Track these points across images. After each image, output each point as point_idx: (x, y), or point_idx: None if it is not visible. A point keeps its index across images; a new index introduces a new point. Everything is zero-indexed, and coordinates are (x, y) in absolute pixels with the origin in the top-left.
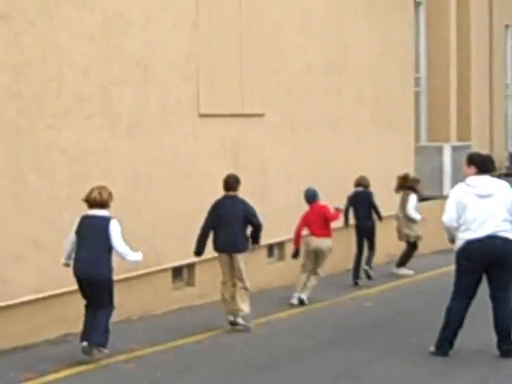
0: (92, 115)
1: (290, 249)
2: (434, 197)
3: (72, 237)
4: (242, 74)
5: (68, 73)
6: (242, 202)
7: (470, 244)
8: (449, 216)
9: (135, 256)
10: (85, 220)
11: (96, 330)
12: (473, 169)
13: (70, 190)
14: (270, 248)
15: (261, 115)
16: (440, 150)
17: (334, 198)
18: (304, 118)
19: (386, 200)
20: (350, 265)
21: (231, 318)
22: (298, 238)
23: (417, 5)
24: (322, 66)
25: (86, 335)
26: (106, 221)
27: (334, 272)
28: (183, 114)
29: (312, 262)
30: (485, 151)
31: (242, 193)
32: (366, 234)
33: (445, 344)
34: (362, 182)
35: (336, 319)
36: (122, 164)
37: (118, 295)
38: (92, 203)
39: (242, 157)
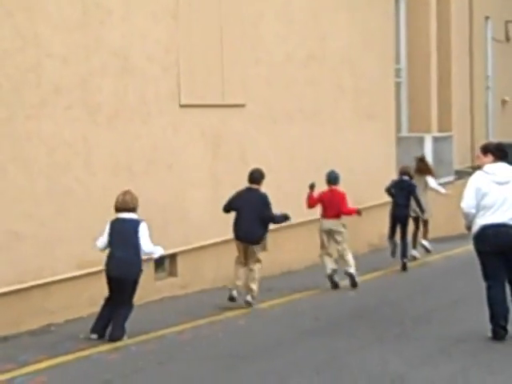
0: (71, 106)
1: (271, 239)
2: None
3: (104, 239)
4: (223, 64)
5: (47, 63)
6: (261, 196)
7: (484, 229)
8: (467, 203)
9: (160, 251)
10: (116, 223)
11: (116, 325)
12: (490, 157)
13: (50, 180)
14: None
15: (241, 106)
16: (421, 140)
17: (315, 189)
18: (284, 109)
19: (368, 190)
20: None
21: (234, 293)
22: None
23: None
24: (302, 57)
25: (98, 328)
26: (135, 223)
27: (317, 262)
28: (163, 104)
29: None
30: (466, 142)
31: (221, 183)
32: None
33: (498, 331)
34: (407, 171)
35: (318, 309)
36: (102, 155)
37: (100, 285)
38: (120, 208)
39: (222, 147)
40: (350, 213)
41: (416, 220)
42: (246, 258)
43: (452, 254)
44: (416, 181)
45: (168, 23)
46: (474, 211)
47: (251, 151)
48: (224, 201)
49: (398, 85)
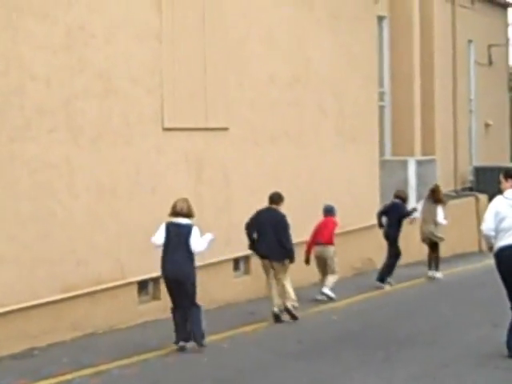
0: (55, 128)
1: (255, 262)
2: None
3: (161, 237)
4: (206, 87)
5: (30, 86)
6: (279, 215)
7: (502, 250)
8: (487, 225)
9: (208, 240)
10: (171, 227)
11: (196, 327)
12: (510, 182)
13: (33, 203)
14: (236, 262)
15: (224, 129)
16: (405, 164)
17: (297, 210)
18: (267, 131)
19: (351, 213)
20: (315, 279)
21: (276, 310)
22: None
23: (380, 19)
24: (285, 79)
25: (181, 336)
26: (189, 227)
27: (299, 286)
28: (146, 127)
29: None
30: (449, 165)
31: (205, 207)
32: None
33: None
34: (399, 194)
35: (302, 333)
36: (85, 177)
37: (84, 309)
38: (178, 213)
39: (206, 170)
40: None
41: (434, 244)
42: (274, 274)
43: (438, 278)
44: (427, 209)
45: (152, 45)
46: (493, 233)
47: (235, 174)
48: (208, 225)
49: (381, 108)
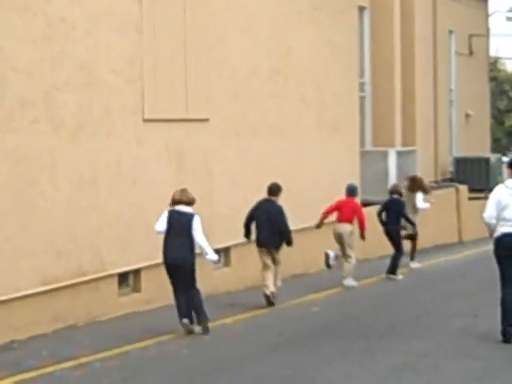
0: (36, 119)
1: (235, 254)
2: (379, 202)
3: (163, 224)
4: (187, 78)
5: (11, 77)
6: (278, 207)
7: (504, 236)
8: (488, 214)
9: (213, 256)
10: (173, 214)
11: (198, 309)
12: (510, 172)
13: (14, 195)
14: (216, 253)
15: (205, 120)
16: (385, 154)
17: (280, 201)
18: (249, 123)
19: (330, 203)
20: (296, 271)
21: (267, 291)
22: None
23: (361, 10)
24: (266, 71)
25: (184, 313)
26: (191, 216)
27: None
28: (127, 118)
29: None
30: (430, 156)
31: None
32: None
33: (508, 330)
34: (396, 190)
35: (282, 324)
36: (67, 168)
37: (65, 301)
38: (179, 201)
39: (187, 161)
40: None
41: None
42: (271, 259)
43: (415, 268)
44: (406, 199)
45: (132, 37)
46: (494, 221)
47: (216, 165)
48: None
49: (362, 99)
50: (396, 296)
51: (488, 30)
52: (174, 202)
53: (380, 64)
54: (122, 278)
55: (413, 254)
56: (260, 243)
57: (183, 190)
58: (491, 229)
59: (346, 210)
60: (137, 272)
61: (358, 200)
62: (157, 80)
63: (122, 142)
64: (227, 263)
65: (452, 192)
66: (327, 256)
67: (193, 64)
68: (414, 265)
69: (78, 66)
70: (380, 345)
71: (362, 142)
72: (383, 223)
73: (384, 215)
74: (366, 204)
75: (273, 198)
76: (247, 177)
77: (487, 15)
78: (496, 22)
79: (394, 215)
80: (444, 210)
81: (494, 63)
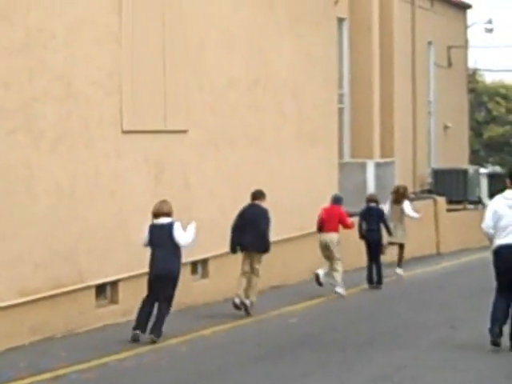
0: (14, 131)
1: (213, 266)
2: (358, 213)
3: (145, 238)
4: (166, 90)
5: None
6: (262, 210)
7: (500, 248)
8: (486, 224)
9: (193, 231)
10: (154, 229)
11: (158, 323)
12: (509, 182)
13: None
14: (194, 265)
15: (184, 131)
16: (363, 166)
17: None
18: (227, 135)
19: (310, 215)
20: (276, 282)
21: (237, 300)
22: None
23: (340, 21)
24: (244, 83)
25: (141, 325)
26: (170, 225)
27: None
28: (106, 130)
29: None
30: (408, 168)
31: None
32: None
33: (495, 337)
34: (373, 199)
35: (261, 336)
36: (45, 180)
37: (43, 313)
38: (159, 214)
39: (165, 173)
40: (351, 226)
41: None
42: (250, 267)
43: (393, 280)
44: (393, 210)
45: (111, 48)
46: (492, 231)
47: (194, 177)
48: None
49: (340, 110)
50: (374, 307)
51: (467, 41)
52: (154, 215)
53: (359, 75)
54: (100, 289)
55: (400, 262)
56: (243, 247)
57: (162, 202)
58: (489, 238)
59: (331, 218)
60: (114, 283)
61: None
62: (135, 92)
63: (100, 154)
64: (205, 275)
65: (430, 204)
66: (317, 276)
67: (171, 76)
68: (400, 271)
69: (57, 76)
70: (358, 356)
71: (341, 154)
72: (362, 234)
73: (364, 225)
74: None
75: (257, 202)
76: (225, 189)
77: (466, 27)
78: (475, 34)
79: (375, 224)
80: (422, 221)
81: (472, 75)
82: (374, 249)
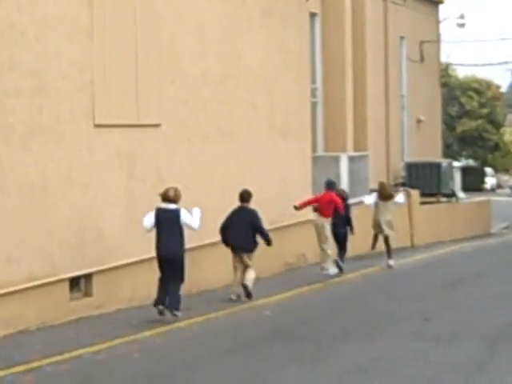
0: None
1: (188, 258)
2: None
3: (151, 222)
4: (138, 84)
5: None
6: (251, 211)
7: None
8: None
9: (199, 216)
10: (160, 212)
11: (172, 297)
12: None
13: None
14: None
15: (156, 125)
16: (337, 160)
17: (230, 207)
18: (199, 129)
19: (283, 209)
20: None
21: (233, 297)
22: (303, 205)
23: (312, 16)
24: (217, 76)
25: (161, 300)
26: (176, 211)
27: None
28: (78, 124)
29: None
30: (381, 161)
31: (138, 204)
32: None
33: None
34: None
35: (235, 328)
36: (16, 175)
37: (16, 306)
38: (166, 199)
39: (138, 167)
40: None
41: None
42: (241, 265)
43: (368, 272)
44: (381, 207)
45: (83, 42)
46: None
47: (167, 170)
48: (140, 221)
49: (313, 104)
50: (348, 300)
51: (439, 36)
52: (163, 199)
53: (331, 70)
54: (74, 282)
55: (389, 253)
56: (233, 247)
57: (171, 188)
58: None
59: (325, 204)
60: (88, 276)
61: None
62: (107, 86)
63: (72, 148)
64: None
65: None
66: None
67: (143, 69)
68: (392, 262)
69: (28, 72)
70: (332, 349)
71: (314, 148)
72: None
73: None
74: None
75: (245, 205)
76: (198, 182)
77: (438, 22)
78: (447, 29)
79: (342, 218)
80: (396, 214)
81: (445, 69)
82: (342, 244)
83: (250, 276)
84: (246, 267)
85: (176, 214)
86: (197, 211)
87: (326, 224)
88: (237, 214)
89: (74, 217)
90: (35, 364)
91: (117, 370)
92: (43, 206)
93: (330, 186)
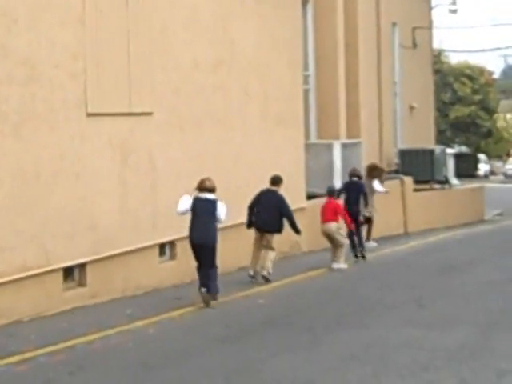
0: None
1: (181, 247)
2: (325, 194)
3: (186, 207)
4: (130, 72)
5: None
6: (279, 196)
7: None
8: None
9: (225, 212)
10: (198, 201)
11: (212, 283)
12: None
13: None
14: (162, 247)
15: (149, 113)
16: (330, 147)
17: (225, 194)
18: (192, 116)
19: None
20: (242, 263)
21: (251, 272)
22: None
23: (304, 2)
24: (209, 63)
25: (203, 283)
26: (214, 201)
27: (226, 270)
28: (70, 112)
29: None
30: (374, 148)
31: (130, 192)
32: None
33: None
34: (356, 173)
35: (229, 317)
36: (9, 164)
37: (9, 296)
38: (203, 188)
39: (131, 155)
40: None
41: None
42: (262, 245)
43: (359, 260)
44: (366, 184)
45: (75, 30)
46: None
47: (160, 159)
48: (133, 210)
49: (306, 92)
50: (341, 287)
51: (431, 22)
52: (201, 189)
53: (324, 57)
54: (67, 272)
55: (369, 235)
56: (258, 227)
57: (206, 179)
58: None
59: (329, 212)
60: (82, 266)
61: (338, 201)
62: (100, 74)
63: (65, 137)
64: (173, 257)
65: (397, 184)
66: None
67: (136, 57)
68: (371, 244)
69: (21, 60)
70: (326, 336)
71: (307, 135)
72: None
73: (344, 197)
74: (311, 196)
75: (274, 188)
76: (191, 170)
77: (430, 8)
78: (439, 15)
79: (355, 196)
80: (389, 201)
81: (437, 56)
82: (354, 220)
83: (268, 261)
84: (266, 247)
85: (214, 204)
86: (223, 205)
87: (331, 228)
88: (264, 196)
89: (67, 206)
90: (29, 354)
91: (111, 360)
92: (36, 194)
93: (330, 193)
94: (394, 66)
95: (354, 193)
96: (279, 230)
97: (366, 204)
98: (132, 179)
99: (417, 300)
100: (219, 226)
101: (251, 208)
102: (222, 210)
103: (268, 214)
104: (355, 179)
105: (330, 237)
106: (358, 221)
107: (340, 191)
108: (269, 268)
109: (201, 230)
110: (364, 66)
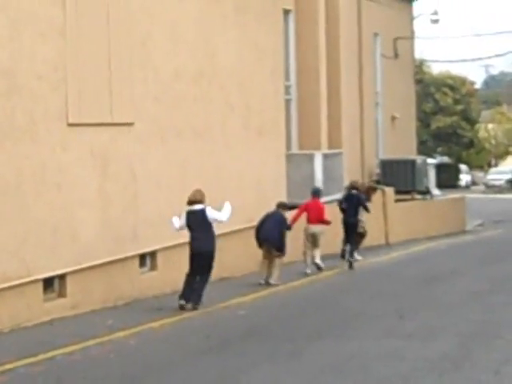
0: None
1: (162, 258)
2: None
3: (181, 223)
4: (111, 82)
5: None
6: (282, 215)
7: None
8: None
9: (229, 209)
10: (189, 214)
11: (196, 292)
12: None
13: None
14: (142, 258)
15: (130, 124)
16: (311, 157)
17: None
18: (173, 127)
19: (258, 207)
20: (225, 274)
21: (262, 281)
22: (293, 222)
23: (286, 13)
24: (190, 74)
25: (185, 295)
26: (202, 210)
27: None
28: (51, 123)
29: (310, 243)
30: (356, 159)
31: (112, 203)
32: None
33: None
34: (355, 186)
35: (209, 328)
36: None
37: None
38: (192, 201)
39: (112, 166)
40: (327, 222)
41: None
42: (272, 257)
43: (343, 271)
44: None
45: (56, 42)
46: None
47: (141, 170)
48: (114, 220)
49: (287, 102)
50: (323, 298)
51: (413, 32)
52: (189, 203)
53: (305, 67)
54: (48, 283)
55: (357, 247)
56: (265, 242)
57: (196, 191)
58: None
59: (315, 212)
60: (62, 277)
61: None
62: (81, 85)
63: (46, 148)
64: (154, 267)
65: (378, 194)
66: (318, 266)
67: (117, 68)
68: (358, 256)
69: (1, 71)
70: (307, 347)
71: (288, 145)
72: (343, 210)
73: (344, 205)
74: (292, 207)
75: (280, 210)
76: (172, 181)
77: (412, 18)
78: (421, 25)
79: (353, 209)
80: (371, 212)
81: (419, 66)
82: (351, 231)
83: (275, 275)
84: (272, 262)
85: (202, 212)
86: (228, 205)
87: (317, 231)
88: (271, 216)
89: (47, 216)
90: (8, 366)
91: (90, 371)
92: (17, 205)
93: (316, 193)
94: (375, 76)
95: (353, 205)
96: (281, 244)
97: (368, 211)
98: (113, 189)
99: (398, 310)
100: (224, 225)
101: (259, 228)
102: (213, 213)
103: (271, 229)
104: (354, 192)
105: (314, 238)
106: (354, 232)
107: (341, 201)
108: (275, 279)
109: (200, 240)
110: (345, 76)
